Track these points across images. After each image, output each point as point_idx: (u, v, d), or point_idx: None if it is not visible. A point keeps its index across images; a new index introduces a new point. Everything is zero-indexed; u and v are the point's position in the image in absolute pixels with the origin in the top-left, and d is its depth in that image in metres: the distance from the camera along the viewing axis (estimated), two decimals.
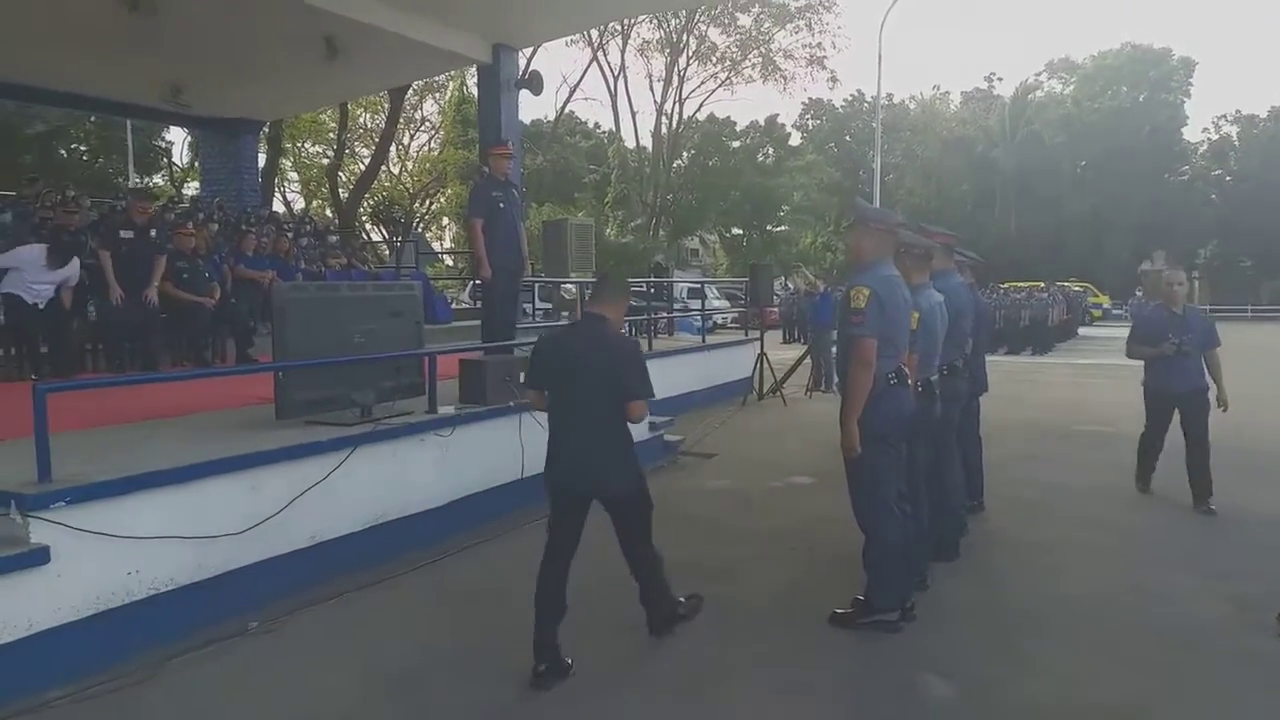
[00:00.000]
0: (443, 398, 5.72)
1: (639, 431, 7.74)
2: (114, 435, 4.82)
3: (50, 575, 3.50)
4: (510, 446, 5.94)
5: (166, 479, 3.99)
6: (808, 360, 13.56)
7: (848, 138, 50.49)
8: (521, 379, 6.20)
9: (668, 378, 9.69)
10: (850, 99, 50.60)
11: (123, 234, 7.85)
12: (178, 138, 30.93)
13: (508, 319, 7.06)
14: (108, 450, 4.33)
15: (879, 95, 28.92)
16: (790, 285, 27.01)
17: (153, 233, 8.02)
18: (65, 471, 3.75)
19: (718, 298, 26.52)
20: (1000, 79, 67.00)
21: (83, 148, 30.37)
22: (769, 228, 48.65)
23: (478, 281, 7.97)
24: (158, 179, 31.90)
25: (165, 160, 32.04)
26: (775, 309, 25.18)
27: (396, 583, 4.85)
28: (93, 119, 27.02)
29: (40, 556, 3.46)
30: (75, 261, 7.54)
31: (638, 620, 4.23)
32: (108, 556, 3.72)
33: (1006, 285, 27.78)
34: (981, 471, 6.20)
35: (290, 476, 4.55)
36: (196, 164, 22.46)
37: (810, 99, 51.20)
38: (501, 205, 6.83)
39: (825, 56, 37.92)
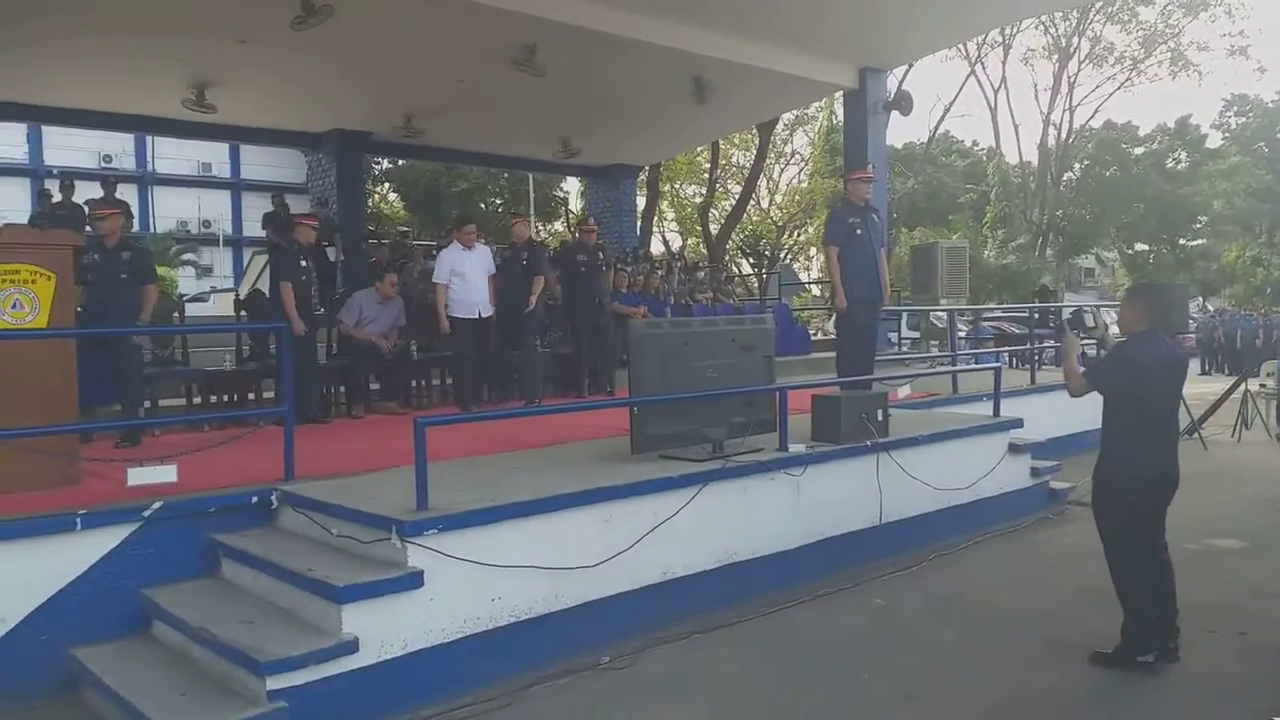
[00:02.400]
0: (795, 435, 5.49)
1: (1018, 479, 6.97)
2: (485, 465, 5.18)
3: (423, 598, 3.76)
4: (866, 490, 5.56)
5: (527, 510, 4.16)
6: (1235, 395, 11.48)
7: None
8: (880, 416, 5.87)
9: (1053, 415, 8.63)
10: None
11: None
12: (572, 188, 34.09)
13: (865, 352, 6.69)
14: (478, 480, 4.63)
15: None
16: (1210, 308, 23.40)
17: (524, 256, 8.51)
18: (440, 499, 4.05)
19: (1114, 322, 23.66)
20: None
21: (497, 201, 34.62)
22: (1182, 241, 42.71)
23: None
24: (557, 225, 35.40)
25: (563, 209, 35.52)
26: (1192, 335, 21.93)
27: (745, 628, 4.68)
28: (505, 176, 30.64)
29: (415, 580, 3.73)
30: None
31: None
32: (474, 583, 3.94)
33: None
34: None
35: (642, 511, 4.57)
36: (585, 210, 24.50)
37: (1232, 94, 44.24)
38: (859, 232, 6.51)
39: (1249, 44, 32.72)
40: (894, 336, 14.68)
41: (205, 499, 4.36)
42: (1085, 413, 9.59)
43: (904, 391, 7.44)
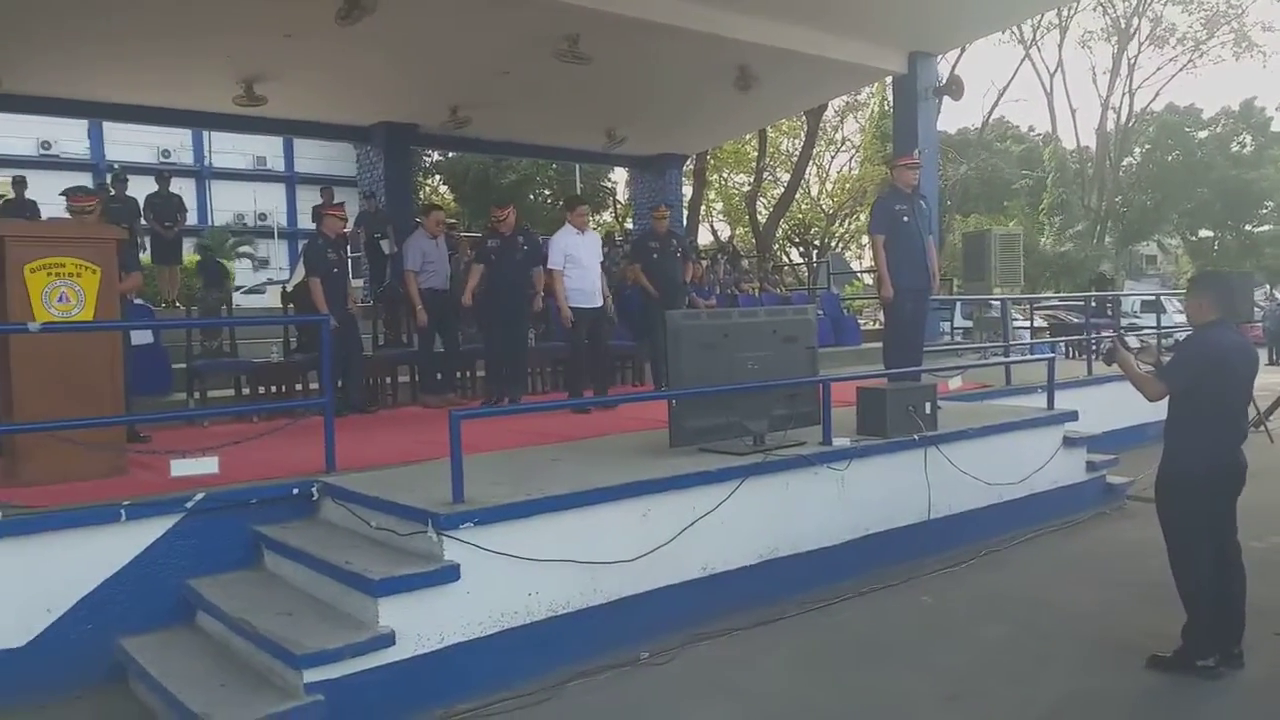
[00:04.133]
0: (839, 428, 5.38)
1: (1073, 473, 6.77)
2: (525, 458, 5.15)
3: (460, 592, 3.74)
4: (914, 485, 5.43)
5: (564, 503, 4.12)
6: None
7: None
8: (928, 409, 5.72)
9: (1111, 408, 8.40)
10: None
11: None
12: (620, 178, 34.05)
13: (912, 343, 6.53)
14: (517, 473, 4.60)
15: None
16: (1277, 295, 22.63)
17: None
18: (478, 493, 4.03)
19: (1179, 311, 22.98)
20: None
21: (546, 192, 34.71)
22: (1248, 227, 41.30)
23: None
24: (606, 215, 35.40)
25: (611, 199, 35.49)
26: (1260, 324, 21.22)
27: (787, 625, 4.60)
28: (554, 167, 30.71)
29: (451, 574, 3.71)
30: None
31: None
32: (511, 576, 3.91)
33: None
34: None
35: (681, 505, 4.50)
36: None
37: None
38: (905, 219, 6.35)
39: None
40: (946, 326, 14.38)
41: (247, 490, 4.40)
42: (1144, 405, 9.34)
43: (955, 383, 7.26)
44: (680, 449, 4.92)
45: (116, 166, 25.85)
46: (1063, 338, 12.45)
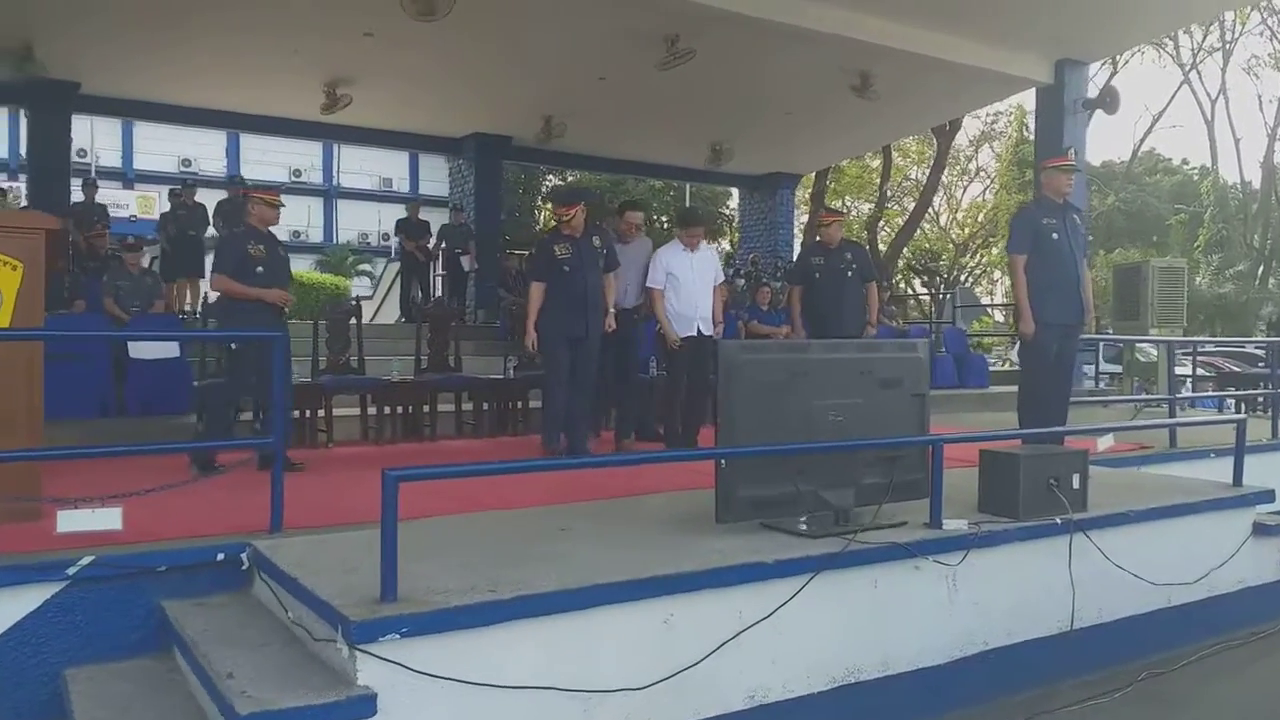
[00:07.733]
0: (954, 503, 4.04)
1: (1265, 570, 5.19)
2: (527, 524, 3.97)
3: None
4: (1054, 583, 4.02)
5: (549, 605, 2.93)
6: None
7: None
8: (1076, 482, 4.32)
9: None
10: None
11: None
12: (737, 206, 32.90)
13: (1056, 393, 5.08)
14: (503, 548, 3.46)
15: None
16: None
17: None
18: (431, 582, 2.91)
19: None
20: None
21: (663, 218, 33.81)
22: None
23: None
24: (725, 244, 34.21)
25: (727, 228, 34.31)
26: None
27: None
28: (670, 194, 29.80)
29: (363, 707, 2.56)
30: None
31: None
32: (460, 710, 2.75)
33: None
34: None
35: (721, 608, 3.26)
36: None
37: None
38: (1054, 235, 4.94)
39: None
40: (1089, 370, 12.62)
41: (153, 554, 3.38)
42: None
43: (1105, 443, 5.76)
44: (732, 525, 3.68)
45: (248, 183, 26.47)
46: (1237, 391, 10.53)
